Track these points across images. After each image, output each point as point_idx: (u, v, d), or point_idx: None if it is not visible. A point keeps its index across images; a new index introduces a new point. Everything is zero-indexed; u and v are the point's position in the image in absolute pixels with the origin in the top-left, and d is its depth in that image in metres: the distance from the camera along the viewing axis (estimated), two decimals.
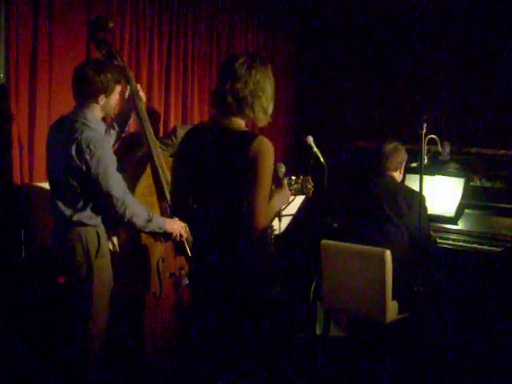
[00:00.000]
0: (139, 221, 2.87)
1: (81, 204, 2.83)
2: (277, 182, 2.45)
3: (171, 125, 4.35)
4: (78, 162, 2.75)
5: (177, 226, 3.04)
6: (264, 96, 2.31)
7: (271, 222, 2.44)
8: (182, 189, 2.47)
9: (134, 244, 3.11)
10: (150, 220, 2.89)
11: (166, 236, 3.09)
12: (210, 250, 2.37)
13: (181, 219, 2.82)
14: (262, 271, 2.35)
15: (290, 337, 4.15)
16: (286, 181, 2.50)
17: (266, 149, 2.24)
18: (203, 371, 2.47)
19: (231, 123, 2.32)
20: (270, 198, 2.35)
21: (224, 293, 2.35)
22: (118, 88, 2.95)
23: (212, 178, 2.31)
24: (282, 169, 2.49)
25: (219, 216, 2.33)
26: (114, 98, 2.94)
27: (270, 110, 2.38)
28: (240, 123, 2.34)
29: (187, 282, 3.19)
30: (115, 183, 2.81)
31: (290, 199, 2.66)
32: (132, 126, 3.76)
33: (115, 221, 2.93)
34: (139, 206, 2.90)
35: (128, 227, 2.98)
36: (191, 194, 2.45)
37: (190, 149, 2.39)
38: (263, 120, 2.38)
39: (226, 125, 2.32)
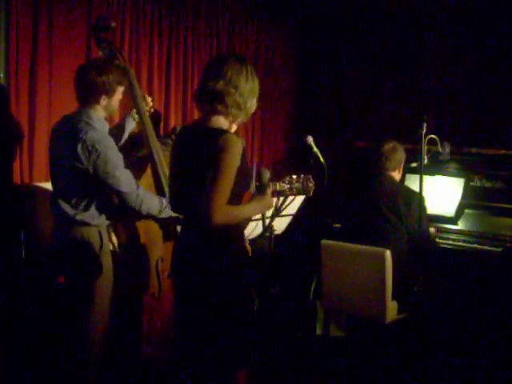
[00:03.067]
0: (155, 211, 2.97)
1: (84, 204, 2.83)
2: (259, 188, 2.43)
3: (171, 125, 4.35)
4: (83, 162, 2.76)
5: None
6: (237, 92, 2.32)
7: (234, 222, 2.34)
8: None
9: (133, 244, 3.11)
10: (165, 207, 2.99)
11: (170, 233, 3.11)
12: (181, 241, 2.47)
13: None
14: (219, 266, 2.33)
15: (290, 337, 4.15)
16: (269, 189, 2.46)
17: (231, 145, 2.24)
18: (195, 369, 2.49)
19: (210, 122, 2.36)
20: (251, 200, 2.39)
21: (186, 285, 2.41)
22: (120, 89, 2.95)
23: (185, 173, 2.37)
24: (267, 174, 2.43)
25: (187, 210, 2.40)
26: (116, 98, 2.94)
27: (249, 106, 2.39)
28: (220, 121, 2.36)
29: None
30: (126, 181, 2.85)
31: (289, 199, 2.65)
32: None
33: (131, 215, 2.97)
34: (152, 196, 2.98)
35: (145, 218, 3.04)
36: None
37: (178, 147, 2.46)
38: (238, 116, 2.39)
39: (205, 123, 2.37)
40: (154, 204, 2.96)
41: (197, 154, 2.31)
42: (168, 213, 2.99)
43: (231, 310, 2.35)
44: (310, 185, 2.91)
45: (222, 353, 2.36)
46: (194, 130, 2.43)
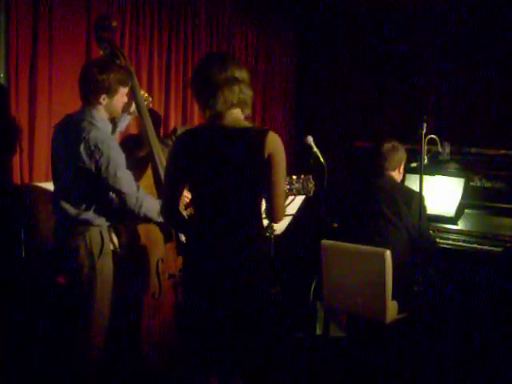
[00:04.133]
0: (154, 214, 2.93)
1: (86, 204, 2.83)
2: None
3: (171, 125, 4.35)
4: (86, 161, 2.75)
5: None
6: (243, 83, 2.35)
7: None
8: (177, 191, 2.46)
9: (133, 244, 3.11)
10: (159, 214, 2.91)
11: (171, 234, 3.11)
12: (221, 249, 2.33)
13: (172, 220, 2.63)
14: (267, 270, 2.38)
15: (290, 337, 4.15)
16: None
17: (280, 144, 2.29)
18: (202, 372, 2.47)
19: (230, 120, 2.32)
20: None
21: (231, 290, 2.33)
22: (123, 90, 2.93)
23: (226, 175, 2.30)
24: None
25: (234, 214, 2.32)
26: (119, 99, 2.92)
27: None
28: (241, 118, 2.36)
29: None
30: (127, 182, 2.85)
31: (289, 199, 2.67)
32: (133, 126, 3.77)
33: (130, 217, 2.95)
34: (151, 199, 2.95)
35: (144, 221, 3.02)
36: (198, 195, 2.43)
37: (194, 150, 2.35)
38: (247, 109, 2.41)
39: (225, 123, 2.32)
40: (153, 207, 2.92)
41: (238, 157, 2.27)
42: (160, 218, 2.94)
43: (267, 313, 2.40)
44: (310, 185, 2.92)
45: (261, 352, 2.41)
46: (219, 131, 2.33)
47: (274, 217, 2.35)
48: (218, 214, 2.34)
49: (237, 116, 2.34)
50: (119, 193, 2.84)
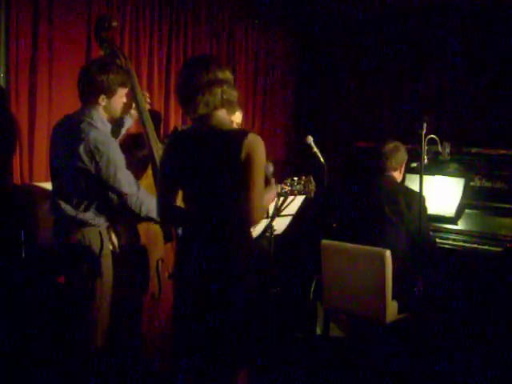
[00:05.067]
0: (154, 213, 2.87)
1: (85, 204, 2.83)
2: (265, 181, 2.46)
3: (171, 125, 4.35)
4: (86, 162, 2.75)
5: None
6: (225, 84, 2.36)
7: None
8: (171, 191, 2.46)
9: (133, 244, 3.11)
10: None
11: (171, 234, 3.11)
12: (200, 247, 2.36)
13: (169, 219, 2.66)
14: (246, 274, 2.34)
15: (290, 337, 4.15)
16: (273, 180, 2.59)
17: (259, 145, 2.27)
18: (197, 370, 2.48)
19: (214, 121, 2.33)
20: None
21: (203, 293, 2.35)
22: (122, 91, 2.93)
23: (205, 177, 2.32)
24: (271, 168, 2.54)
25: (213, 213, 2.33)
26: (118, 101, 2.92)
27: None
28: (225, 119, 2.36)
29: None
30: (127, 182, 2.84)
31: (289, 199, 2.68)
32: (133, 126, 3.76)
33: (131, 216, 2.95)
34: (152, 198, 2.93)
35: (145, 220, 3.01)
36: (185, 196, 2.45)
37: (180, 151, 2.39)
38: (232, 109, 2.53)
39: (210, 123, 2.33)
40: (154, 206, 2.93)
41: (218, 157, 2.28)
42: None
43: (248, 311, 2.35)
44: (311, 186, 2.92)
45: (232, 351, 2.36)
46: (201, 133, 2.35)
47: (248, 218, 2.27)
48: (198, 214, 2.37)
49: (220, 118, 2.34)
50: (120, 193, 2.85)
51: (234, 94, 2.37)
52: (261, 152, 2.27)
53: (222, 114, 2.36)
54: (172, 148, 2.43)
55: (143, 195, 2.91)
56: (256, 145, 2.26)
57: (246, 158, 2.23)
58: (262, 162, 2.27)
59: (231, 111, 2.39)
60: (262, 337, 2.49)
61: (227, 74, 2.36)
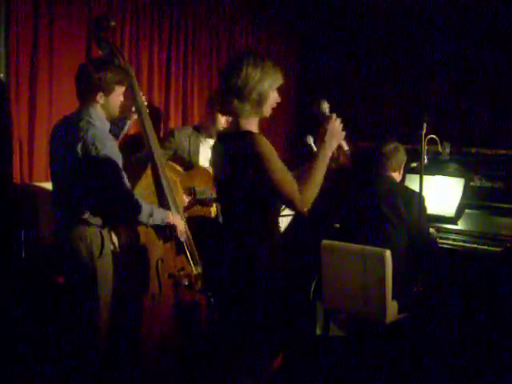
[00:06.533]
0: (142, 217, 2.89)
1: (85, 204, 2.83)
2: (321, 119, 2.42)
3: (171, 125, 4.36)
4: (84, 160, 2.75)
5: (178, 219, 3.10)
6: (253, 88, 2.31)
7: (317, 189, 2.33)
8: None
9: (133, 244, 3.11)
10: (151, 214, 2.91)
11: (169, 234, 3.11)
12: (226, 245, 2.40)
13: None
14: (269, 261, 2.34)
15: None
16: (332, 118, 2.41)
17: (259, 143, 2.23)
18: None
19: (237, 124, 2.35)
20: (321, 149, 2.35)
21: (231, 283, 2.37)
22: (120, 89, 2.93)
23: (224, 178, 2.38)
24: (325, 104, 2.45)
25: (233, 221, 2.38)
26: (115, 99, 2.93)
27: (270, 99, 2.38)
28: (245, 122, 2.34)
29: (186, 283, 3.20)
30: (119, 183, 2.83)
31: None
32: (133, 126, 3.77)
33: (120, 218, 2.95)
34: (142, 204, 2.91)
35: (134, 223, 3.01)
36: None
37: (217, 157, 2.47)
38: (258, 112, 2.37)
39: (235, 126, 2.36)
40: (142, 209, 2.89)
41: (229, 161, 2.31)
42: (156, 222, 2.96)
43: (267, 312, 2.36)
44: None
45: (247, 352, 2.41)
46: (227, 136, 2.41)
47: (293, 207, 2.27)
48: (224, 218, 2.47)
49: (243, 121, 2.32)
50: (113, 192, 2.83)
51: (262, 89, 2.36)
52: (266, 149, 2.22)
53: (247, 116, 2.35)
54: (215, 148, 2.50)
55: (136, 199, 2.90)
56: (256, 145, 2.23)
57: (255, 159, 2.21)
58: (268, 157, 2.22)
59: (261, 111, 2.40)
60: (287, 341, 2.49)
61: (260, 72, 2.34)
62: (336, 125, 2.41)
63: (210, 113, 3.89)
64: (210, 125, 3.87)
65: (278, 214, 2.46)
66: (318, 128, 2.42)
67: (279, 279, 2.36)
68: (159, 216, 2.97)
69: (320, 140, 2.39)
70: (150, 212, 2.91)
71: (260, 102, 2.30)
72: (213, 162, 2.52)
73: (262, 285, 2.32)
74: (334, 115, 2.43)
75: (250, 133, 2.28)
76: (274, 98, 2.37)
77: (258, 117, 2.36)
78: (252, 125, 2.34)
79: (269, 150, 2.22)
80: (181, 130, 3.95)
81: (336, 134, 2.41)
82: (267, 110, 2.37)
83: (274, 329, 2.37)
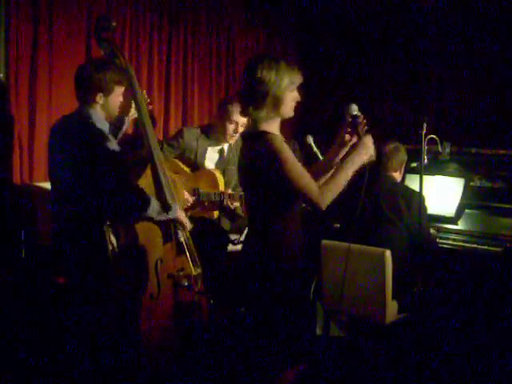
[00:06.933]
0: (151, 211, 2.91)
1: (84, 204, 2.83)
2: (351, 125, 2.48)
3: (171, 125, 4.36)
4: (83, 161, 2.75)
5: (184, 215, 3.11)
6: (269, 89, 2.35)
7: (338, 190, 2.40)
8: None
9: (132, 244, 3.10)
10: (159, 211, 2.94)
11: (171, 233, 3.12)
12: (248, 245, 2.49)
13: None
14: (279, 266, 2.37)
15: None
16: (362, 125, 2.48)
17: (273, 142, 2.27)
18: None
19: (254, 125, 2.37)
20: (348, 154, 2.43)
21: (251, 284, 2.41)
22: (119, 90, 2.93)
23: (244, 178, 2.46)
24: (354, 106, 2.48)
25: (254, 211, 2.43)
26: (115, 99, 2.93)
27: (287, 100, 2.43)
28: (264, 123, 2.36)
29: (186, 283, 3.19)
30: (120, 181, 2.83)
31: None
32: (132, 126, 3.77)
33: (128, 214, 2.96)
34: (150, 196, 2.94)
35: (143, 219, 3.01)
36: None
37: (240, 152, 2.52)
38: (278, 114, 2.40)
39: (252, 127, 2.40)
40: (151, 206, 2.91)
41: (252, 162, 2.33)
42: (159, 216, 2.97)
43: (275, 310, 2.39)
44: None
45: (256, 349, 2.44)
46: (246, 136, 2.48)
47: (311, 202, 2.29)
48: (249, 218, 2.50)
49: (262, 122, 2.35)
50: (114, 191, 2.83)
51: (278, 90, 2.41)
52: (278, 148, 2.26)
53: (265, 116, 2.37)
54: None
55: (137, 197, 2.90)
56: (269, 144, 2.26)
57: (271, 160, 2.24)
58: (283, 155, 2.25)
59: (279, 111, 2.42)
60: (304, 341, 2.50)
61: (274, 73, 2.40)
62: (371, 142, 2.47)
63: (219, 118, 3.83)
64: (218, 130, 3.82)
65: (298, 215, 2.46)
66: (351, 129, 2.50)
67: (299, 279, 2.42)
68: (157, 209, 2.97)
69: (354, 150, 2.46)
70: (158, 208, 2.94)
71: (277, 104, 2.34)
72: (238, 162, 2.55)
73: (271, 283, 2.35)
74: (363, 125, 2.52)
75: (265, 133, 2.30)
76: (293, 97, 2.42)
77: (277, 118, 2.39)
78: (270, 125, 2.36)
79: (283, 148, 2.26)
80: (190, 130, 3.90)
81: (369, 151, 2.48)
82: (286, 111, 2.40)
83: (291, 334, 2.42)
